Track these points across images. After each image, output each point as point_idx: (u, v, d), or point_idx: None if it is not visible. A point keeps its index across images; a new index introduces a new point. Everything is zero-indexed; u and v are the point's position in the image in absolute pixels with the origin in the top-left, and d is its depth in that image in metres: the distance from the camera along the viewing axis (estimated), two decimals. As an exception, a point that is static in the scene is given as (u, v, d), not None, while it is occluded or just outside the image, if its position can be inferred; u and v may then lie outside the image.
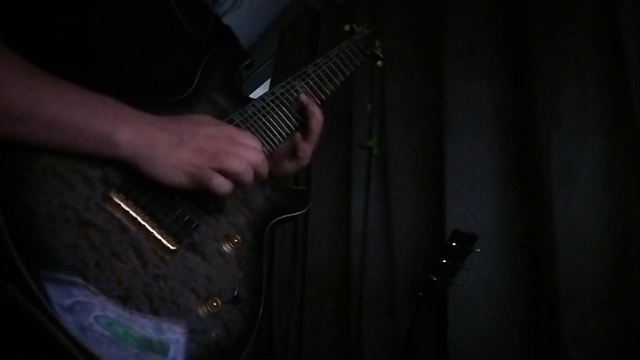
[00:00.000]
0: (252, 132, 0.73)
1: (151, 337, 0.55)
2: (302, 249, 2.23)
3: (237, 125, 0.71)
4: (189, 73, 0.74)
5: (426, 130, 1.74)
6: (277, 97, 0.80)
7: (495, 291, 1.40)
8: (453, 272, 1.17)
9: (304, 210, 0.80)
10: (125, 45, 0.70)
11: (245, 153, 0.62)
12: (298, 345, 2.12)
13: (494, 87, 1.52)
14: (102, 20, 0.67)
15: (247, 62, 0.82)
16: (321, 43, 2.36)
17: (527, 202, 1.40)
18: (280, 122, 0.78)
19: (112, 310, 0.52)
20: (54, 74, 0.56)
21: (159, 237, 0.59)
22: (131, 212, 0.58)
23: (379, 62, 1.05)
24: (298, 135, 0.83)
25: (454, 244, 1.17)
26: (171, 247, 0.60)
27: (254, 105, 0.76)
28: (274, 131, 0.76)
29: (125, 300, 0.54)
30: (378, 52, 1.04)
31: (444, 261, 1.16)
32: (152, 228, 0.59)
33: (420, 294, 1.17)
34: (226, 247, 0.66)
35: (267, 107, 0.77)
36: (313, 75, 0.86)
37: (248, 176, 0.63)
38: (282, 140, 0.78)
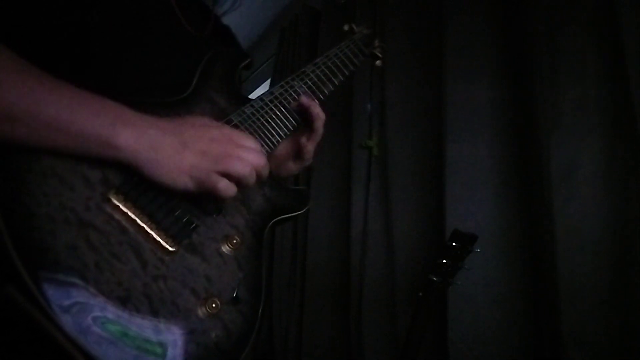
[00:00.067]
0: (250, 133, 0.73)
1: (150, 337, 0.55)
2: (302, 249, 2.23)
3: (236, 126, 0.71)
4: (189, 73, 0.74)
5: (426, 130, 1.74)
6: (276, 97, 0.80)
7: (495, 291, 1.40)
8: (453, 272, 1.17)
9: (304, 210, 0.80)
10: (125, 46, 0.70)
11: (249, 156, 0.63)
12: (298, 345, 2.12)
13: (494, 87, 1.52)
14: (102, 20, 0.67)
15: (246, 62, 0.82)
16: (321, 43, 2.36)
17: (527, 202, 1.40)
18: (279, 122, 0.78)
19: (112, 311, 0.52)
20: (54, 74, 0.56)
21: (158, 238, 0.59)
22: (130, 213, 0.58)
23: (378, 62, 1.05)
24: (301, 136, 0.84)
25: (454, 244, 1.16)
26: (170, 248, 0.60)
27: (252, 106, 0.76)
28: (273, 131, 0.77)
29: (124, 301, 0.54)
30: (377, 52, 1.04)
31: (444, 261, 1.16)
32: (151, 229, 0.59)
33: (420, 294, 1.17)
34: (225, 248, 0.66)
35: (265, 107, 0.77)
36: (312, 75, 0.86)
37: (251, 179, 0.63)
38: (280, 140, 0.78)
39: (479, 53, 1.56)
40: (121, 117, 0.58)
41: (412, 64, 1.84)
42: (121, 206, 0.58)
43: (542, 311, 1.31)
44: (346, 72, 0.92)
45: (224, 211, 0.68)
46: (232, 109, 0.74)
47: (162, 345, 0.55)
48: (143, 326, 0.54)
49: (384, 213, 1.85)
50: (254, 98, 0.79)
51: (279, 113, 0.79)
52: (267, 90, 0.81)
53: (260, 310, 0.66)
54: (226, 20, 0.96)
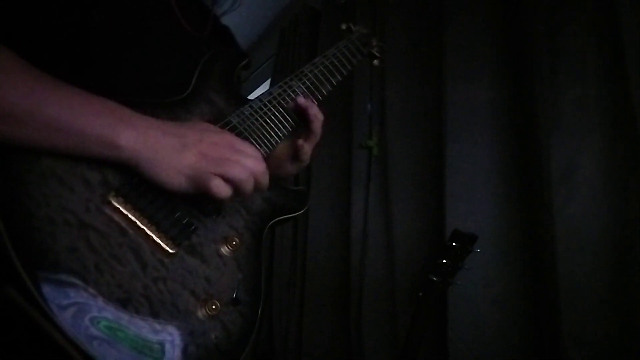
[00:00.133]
0: (249, 133, 0.73)
1: (150, 339, 0.55)
2: (302, 249, 2.23)
3: (235, 127, 0.71)
4: (188, 73, 0.74)
5: (426, 130, 1.74)
6: (275, 98, 0.80)
7: (495, 291, 1.40)
8: (453, 272, 1.17)
9: (303, 211, 0.80)
10: (125, 46, 0.70)
11: (248, 162, 0.62)
12: (298, 345, 2.12)
13: (494, 87, 1.52)
14: (102, 20, 0.67)
15: (245, 62, 0.82)
16: (321, 43, 2.36)
17: (527, 202, 1.40)
18: (278, 123, 0.78)
19: (112, 313, 0.52)
20: (54, 75, 0.56)
21: (158, 240, 0.59)
22: (130, 215, 0.58)
23: (376, 62, 1.05)
24: (299, 137, 0.83)
25: (454, 244, 1.16)
26: (170, 250, 0.60)
27: (251, 106, 0.76)
28: (272, 132, 0.76)
29: (125, 302, 0.54)
30: (375, 52, 1.03)
31: (444, 261, 1.16)
32: (151, 231, 0.59)
33: (420, 294, 1.17)
34: (225, 249, 0.66)
35: (264, 107, 0.77)
36: (310, 75, 0.86)
37: (249, 185, 0.63)
38: (279, 141, 0.78)
39: (479, 53, 1.56)
40: (122, 117, 0.58)
41: (412, 64, 1.84)
42: (121, 208, 0.57)
43: (542, 311, 1.31)
44: (344, 72, 0.92)
45: (223, 212, 0.68)
46: (230, 109, 0.74)
47: (161, 346, 0.55)
48: (143, 327, 0.54)
49: (384, 213, 1.85)
50: (252, 98, 0.79)
51: (277, 114, 0.78)
52: (265, 91, 0.81)
53: (260, 311, 0.66)
54: (226, 20, 0.96)
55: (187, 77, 0.73)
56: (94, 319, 0.51)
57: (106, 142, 0.56)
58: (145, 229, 0.59)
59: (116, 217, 0.57)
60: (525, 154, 1.42)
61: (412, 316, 1.17)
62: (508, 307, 1.38)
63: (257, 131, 0.74)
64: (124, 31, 0.70)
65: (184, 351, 0.57)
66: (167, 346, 0.56)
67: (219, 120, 0.70)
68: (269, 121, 0.77)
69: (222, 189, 0.60)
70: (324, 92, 0.87)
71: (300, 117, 0.82)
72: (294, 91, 0.82)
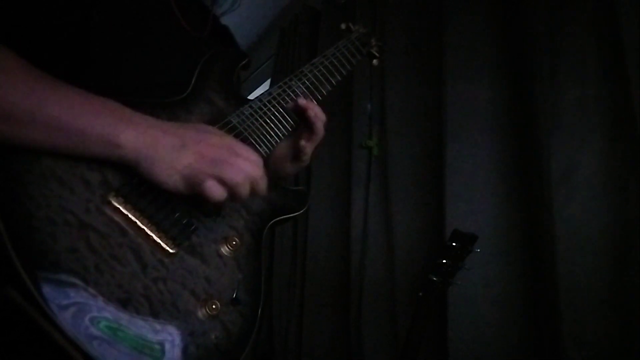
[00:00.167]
0: (249, 133, 0.73)
1: (150, 339, 0.55)
2: (302, 249, 2.23)
3: (234, 127, 0.71)
4: (188, 73, 0.74)
5: (426, 130, 1.74)
6: (274, 98, 0.80)
7: (495, 291, 1.40)
8: (453, 272, 1.17)
9: (302, 211, 0.80)
10: (125, 46, 0.70)
11: (245, 166, 0.62)
12: (298, 345, 2.12)
13: (494, 87, 1.52)
14: (102, 20, 0.67)
15: (244, 62, 0.82)
16: (321, 43, 2.36)
17: (527, 202, 1.40)
18: (278, 123, 0.78)
19: (112, 313, 0.52)
20: (54, 75, 0.57)
21: (158, 240, 0.59)
22: (130, 215, 0.58)
23: (375, 61, 1.05)
24: (300, 138, 0.83)
25: (454, 244, 1.16)
26: (170, 250, 0.60)
27: (251, 107, 0.76)
28: (271, 132, 0.76)
29: (125, 303, 0.54)
30: (374, 51, 1.04)
31: (444, 261, 1.16)
32: (151, 231, 0.59)
33: (420, 294, 1.17)
34: (225, 249, 0.66)
35: (264, 107, 0.77)
36: (309, 75, 0.86)
37: (244, 189, 0.62)
38: (279, 141, 0.77)
39: (479, 53, 1.56)
40: (122, 116, 0.58)
41: (412, 64, 1.84)
42: (121, 208, 0.58)
43: (542, 311, 1.31)
44: (344, 72, 0.92)
45: (223, 213, 0.68)
46: (230, 109, 0.74)
47: (161, 346, 0.55)
48: (143, 327, 0.54)
49: (384, 213, 1.85)
50: (252, 99, 0.79)
51: (277, 114, 0.78)
52: (265, 91, 0.81)
53: (260, 311, 0.66)
54: (226, 20, 0.96)
55: (187, 77, 0.73)
56: (94, 319, 0.51)
57: (106, 142, 0.56)
58: (145, 228, 0.59)
59: (116, 217, 0.57)
60: (525, 154, 1.42)
61: (412, 316, 1.17)
62: (508, 307, 1.38)
63: (257, 131, 0.74)
64: (124, 31, 0.70)
65: (184, 351, 0.57)
66: (167, 346, 0.56)
67: (219, 120, 0.70)
68: (268, 121, 0.77)
69: (215, 191, 0.59)
70: (324, 92, 0.87)
71: (301, 117, 0.82)
72: (293, 91, 0.82)
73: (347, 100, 2.10)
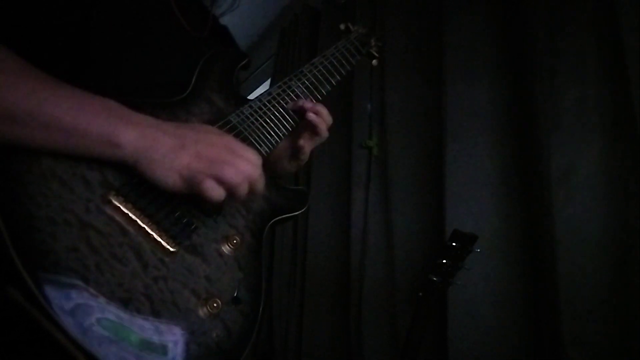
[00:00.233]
0: (249, 133, 0.73)
1: (151, 338, 0.55)
2: (302, 249, 2.23)
3: (234, 127, 0.71)
4: (188, 73, 0.74)
5: (426, 130, 1.74)
6: (274, 98, 0.80)
7: (495, 291, 1.40)
8: (453, 272, 1.17)
9: (302, 210, 0.80)
10: (125, 45, 0.70)
11: (244, 166, 0.62)
12: (298, 345, 2.12)
13: (494, 88, 1.52)
14: (102, 20, 0.67)
15: (244, 62, 0.82)
16: (321, 43, 2.36)
17: (527, 202, 1.40)
18: (278, 123, 0.78)
19: (113, 312, 0.52)
20: (54, 75, 0.56)
21: (159, 239, 0.59)
22: (130, 214, 0.58)
23: (375, 61, 1.05)
24: (300, 137, 0.83)
25: (454, 244, 1.16)
26: (171, 249, 0.60)
27: (250, 106, 0.76)
28: (272, 132, 0.77)
29: (126, 302, 0.54)
30: (373, 51, 1.04)
31: (444, 261, 1.16)
32: (152, 230, 0.59)
33: (420, 294, 1.17)
34: (225, 248, 0.66)
35: (264, 107, 0.77)
36: (309, 75, 0.86)
37: (242, 189, 0.62)
38: (279, 141, 0.78)
39: (479, 53, 1.56)
40: (122, 116, 0.58)
41: (412, 64, 1.84)
42: (121, 207, 0.58)
43: (542, 311, 1.31)
44: (343, 72, 0.92)
45: (224, 212, 0.68)
46: (230, 109, 0.74)
47: (163, 345, 0.55)
48: (144, 327, 0.54)
49: (384, 213, 1.85)
50: (252, 99, 0.79)
51: (277, 114, 0.79)
52: (265, 91, 0.81)
53: (260, 310, 0.66)
54: (226, 20, 0.96)
55: (187, 77, 0.73)
56: (95, 318, 0.51)
57: (106, 141, 0.56)
58: (145, 227, 0.59)
59: (117, 217, 0.57)
60: (525, 154, 1.42)
61: (412, 316, 1.17)
62: (508, 307, 1.38)
63: (257, 131, 0.75)
64: (124, 31, 0.70)
65: (186, 350, 0.57)
66: (169, 345, 0.56)
67: (219, 120, 0.70)
68: (268, 121, 0.77)
69: (214, 191, 0.59)
70: (324, 92, 0.87)
71: (302, 118, 0.82)
72: (293, 91, 0.82)
73: (347, 100, 2.10)
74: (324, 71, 0.88)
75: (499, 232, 1.43)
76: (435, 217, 1.61)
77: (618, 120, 1.23)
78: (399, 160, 1.80)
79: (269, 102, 0.79)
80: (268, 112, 0.77)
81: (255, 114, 0.75)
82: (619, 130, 1.22)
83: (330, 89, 0.89)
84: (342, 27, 1.02)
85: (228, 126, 0.70)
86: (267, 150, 0.75)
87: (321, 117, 0.83)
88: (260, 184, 0.65)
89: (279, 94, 0.81)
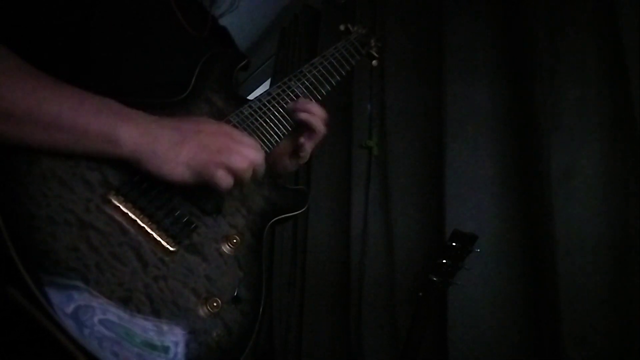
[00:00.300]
0: (249, 133, 0.73)
1: (152, 337, 0.55)
2: (302, 249, 2.23)
3: (234, 127, 0.71)
4: (188, 74, 0.74)
5: (426, 130, 1.74)
6: (274, 98, 0.80)
7: (495, 291, 1.40)
8: (453, 272, 1.17)
9: (302, 210, 0.80)
10: (126, 46, 0.70)
11: (247, 152, 0.63)
12: (298, 345, 2.12)
13: (494, 87, 1.52)
14: (103, 20, 0.67)
15: (243, 63, 0.83)
16: (321, 43, 2.36)
17: (527, 202, 1.40)
18: (277, 122, 0.78)
19: (113, 312, 0.52)
20: (54, 75, 0.57)
21: (159, 238, 0.60)
22: (130, 214, 0.58)
23: (374, 62, 1.05)
24: (300, 135, 0.84)
25: (454, 244, 1.16)
26: (171, 249, 0.60)
27: (250, 107, 0.76)
28: (271, 132, 0.77)
29: (126, 301, 0.54)
30: (373, 52, 1.04)
31: (444, 261, 1.16)
32: (152, 229, 0.59)
33: (420, 294, 1.17)
34: (225, 248, 0.66)
35: (263, 107, 0.78)
36: (309, 75, 0.86)
37: (248, 174, 0.63)
38: (279, 140, 0.78)
39: (479, 53, 1.56)
40: (122, 114, 0.58)
41: (412, 64, 1.84)
42: (121, 207, 0.58)
43: (542, 311, 1.31)
44: (343, 72, 0.92)
45: (224, 211, 0.68)
46: (230, 109, 0.74)
47: (163, 344, 0.55)
48: (145, 326, 0.54)
49: (384, 213, 1.85)
50: (251, 99, 0.79)
51: (277, 113, 0.79)
52: (264, 91, 0.81)
53: (260, 310, 0.66)
54: (226, 20, 0.96)
55: (187, 77, 0.74)
56: (96, 318, 0.51)
57: (107, 139, 0.56)
58: (145, 227, 0.59)
59: (116, 216, 0.57)
60: (525, 154, 1.42)
61: (412, 316, 1.17)
62: (508, 307, 1.38)
63: (257, 131, 0.75)
64: (124, 31, 0.70)
65: (186, 349, 0.57)
66: (169, 344, 0.56)
67: (219, 120, 0.71)
68: (268, 121, 0.77)
69: (225, 180, 0.60)
70: (323, 93, 0.88)
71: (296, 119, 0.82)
72: (293, 91, 0.83)
73: (347, 100, 2.10)
74: (324, 71, 0.88)
75: (499, 232, 1.43)
76: (435, 217, 1.61)
77: (618, 120, 1.23)
78: (399, 160, 1.80)
79: (268, 102, 0.79)
80: (268, 112, 0.78)
81: (255, 114, 0.76)
82: (619, 130, 1.22)
83: (330, 89, 0.89)
84: (342, 27, 1.02)
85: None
86: (267, 150, 0.75)
87: (311, 112, 0.82)
88: (263, 168, 0.66)
89: (278, 94, 0.81)
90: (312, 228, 2.17)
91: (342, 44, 0.95)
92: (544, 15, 1.38)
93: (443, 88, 1.61)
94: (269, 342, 2.29)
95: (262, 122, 0.76)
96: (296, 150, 0.85)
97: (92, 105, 0.57)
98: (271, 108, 0.79)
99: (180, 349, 0.56)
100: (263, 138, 0.75)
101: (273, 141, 0.77)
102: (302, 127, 0.84)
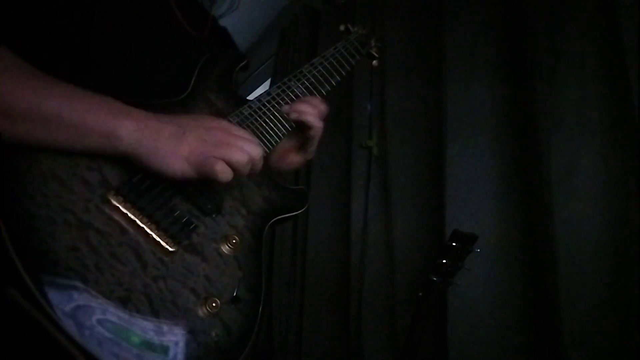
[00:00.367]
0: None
1: (151, 337, 0.55)
2: (302, 249, 2.23)
3: (235, 125, 0.71)
4: (188, 74, 0.74)
5: (426, 130, 1.75)
6: (273, 98, 0.80)
7: (495, 291, 1.40)
8: (453, 272, 1.17)
9: (302, 210, 0.80)
10: (126, 46, 0.70)
11: (247, 146, 0.63)
12: (298, 345, 2.12)
13: (494, 88, 1.52)
14: (103, 20, 0.67)
15: (243, 63, 0.83)
16: (321, 43, 2.37)
17: (527, 202, 1.40)
18: (277, 122, 0.78)
19: (113, 312, 0.52)
20: (55, 74, 0.57)
21: (158, 238, 0.60)
22: (129, 214, 0.58)
23: (375, 62, 1.05)
24: (304, 130, 0.83)
25: (454, 244, 1.16)
26: (170, 249, 0.60)
27: (250, 107, 0.76)
28: (271, 132, 0.77)
29: (125, 301, 0.54)
30: (373, 52, 1.04)
31: (444, 261, 1.16)
32: (151, 230, 0.59)
33: (420, 294, 1.17)
34: (225, 248, 0.66)
35: (263, 108, 0.78)
36: (309, 75, 0.86)
37: (247, 169, 0.63)
38: (279, 140, 0.78)
39: (479, 53, 1.56)
40: (121, 110, 0.58)
41: (412, 64, 1.84)
42: (120, 207, 0.58)
43: (542, 311, 1.31)
44: (343, 73, 0.92)
45: (223, 211, 0.68)
46: (229, 110, 0.74)
47: (163, 345, 0.55)
48: (144, 326, 0.54)
49: (384, 213, 1.85)
50: (251, 99, 0.79)
51: (276, 114, 0.79)
52: (264, 91, 0.81)
53: (260, 310, 0.66)
54: (226, 20, 0.96)
55: (187, 77, 0.74)
56: (95, 318, 0.51)
57: (106, 134, 0.56)
58: (144, 227, 0.59)
59: (116, 216, 0.57)
60: (525, 154, 1.42)
61: (412, 316, 1.17)
62: (508, 307, 1.38)
63: (257, 131, 0.75)
64: (124, 31, 0.70)
65: (185, 349, 0.57)
66: (169, 344, 0.56)
67: None
68: (268, 121, 0.77)
69: (225, 173, 0.60)
70: (323, 93, 0.88)
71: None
72: (292, 92, 0.83)
73: (347, 100, 2.10)
74: (324, 72, 0.88)
75: (499, 232, 1.43)
76: (435, 217, 1.61)
77: (618, 120, 1.23)
78: (399, 160, 1.80)
79: (268, 102, 0.79)
80: (267, 113, 0.78)
81: (254, 114, 0.76)
82: (619, 130, 1.22)
83: (330, 89, 0.89)
84: (342, 28, 1.02)
85: None
86: (267, 150, 0.75)
87: (301, 111, 0.81)
88: (260, 164, 0.66)
89: (278, 94, 0.81)
90: (312, 228, 2.17)
91: (342, 44, 0.95)
92: (544, 15, 1.38)
93: (443, 88, 1.61)
94: (269, 342, 2.29)
95: (262, 122, 0.76)
96: (303, 145, 0.85)
97: (91, 102, 0.57)
98: (271, 108, 0.79)
99: (179, 349, 0.56)
100: (263, 138, 0.75)
101: (273, 141, 0.77)
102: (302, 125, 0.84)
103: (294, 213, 0.79)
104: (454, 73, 1.59)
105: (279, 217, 0.76)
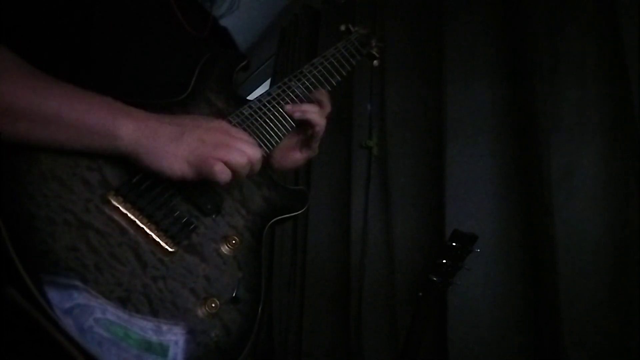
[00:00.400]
0: (249, 133, 0.73)
1: (151, 338, 0.55)
2: (302, 249, 2.23)
3: (234, 127, 0.71)
4: (188, 74, 0.74)
5: (426, 130, 1.74)
6: (274, 98, 0.80)
7: (495, 291, 1.40)
8: (453, 272, 1.17)
9: (302, 210, 0.80)
10: (126, 46, 0.70)
11: (246, 148, 0.63)
12: (298, 345, 2.12)
13: (494, 88, 1.52)
14: (103, 21, 0.67)
15: (243, 64, 0.83)
16: (321, 43, 2.36)
17: (527, 202, 1.40)
18: (277, 123, 0.78)
19: (112, 313, 0.53)
20: (55, 74, 0.57)
21: (158, 239, 0.60)
22: (129, 214, 0.58)
23: (375, 62, 1.05)
24: (315, 125, 0.84)
25: (454, 244, 1.16)
26: (170, 249, 0.60)
27: (250, 107, 0.76)
28: (272, 132, 0.77)
29: (124, 301, 0.54)
30: (374, 52, 1.04)
31: (444, 261, 1.16)
32: (151, 230, 0.59)
33: (420, 294, 1.17)
34: (224, 248, 0.66)
35: (264, 108, 0.78)
36: (309, 75, 0.86)
37: (246, 170, 0.63)
38: (279, 140, 0.78)
39: (479, 53, 1.56)
40: (121, 110, 0.59)
41: (412, 64, 1.84)
42: (120, 207, 0.58)
43: (542, 311, 1.31)
44: (343, 73, 0.92)
45: (223, 212, 0.68)
46: (230, 110, 0.74)
47: (162, 345, 0.55)
48: (143, 326, 0.54)
49: (384, 213, 1.85)
50: (251, 99, 0.79)
51: (277, 114, 0.79)
52: (264, 92, 0.81)
53: (259, 310, 0.66)
54: (226, 20, 0.96)
55: (187, 77, 0.74)
56: (95, 318, 0.51)
57: (106, 133, 0.56)
58: (144, 227, 0.59)
59: (116, 217, 0.57)
60: (525, 154, 1.42)
61: (412, 316, 1.17)
62: (508, 307, 1.38)
63: (257, 131, 0.75)
64: (124, 31, 0.70)
65: (185, 349, 0.57)
66: (169, 345, 0.56)
67: None
68: (268, 121, 0.77)
69: (224, 174, 0.60)
70: None
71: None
72: (293, 92, 0.83)
73: (347, 100, 2.10)
74: (324, 72, 0.88)
75: (499, 232, 1.43)
76: (435, 217, 1.61)
77: (618, 120, 1.23)
78: (399, 160, 1.80)
79: (268, 102, 0.79)
80: (268, 113, 0.78)
81: (255, 115, 0.76)
82: (619, 130, 1.22)
83: (330, 89, 0.89)
84: (342, 28, 1.02)
85: None
86: (267, 150, 0.75)
87: (304, 110, 0.82)
88: (259, 166, 0.66)
89: (278, 95, 0.81)
90: (312, 228, 2.17)
91: (342, 44, 0.95)
92: (544, 15, 1.38)
93: (443, 88, 1.61)
94: (269, 342, 2.29)
95: (262, 123, 0.76)
96: (306, 142, 0.85)
97: (91, 102, 0.57)
98: (271, 108, 0.79)
99: (179, 349, 0.56)
100: (263, 138, 0.75)
101: (273, 141, 0.77)
102: (304, 124, 0.84)
103: (294, 213, 0.79)
104: (454, 73, 1.59)
105: (279, 217, 0.76)
